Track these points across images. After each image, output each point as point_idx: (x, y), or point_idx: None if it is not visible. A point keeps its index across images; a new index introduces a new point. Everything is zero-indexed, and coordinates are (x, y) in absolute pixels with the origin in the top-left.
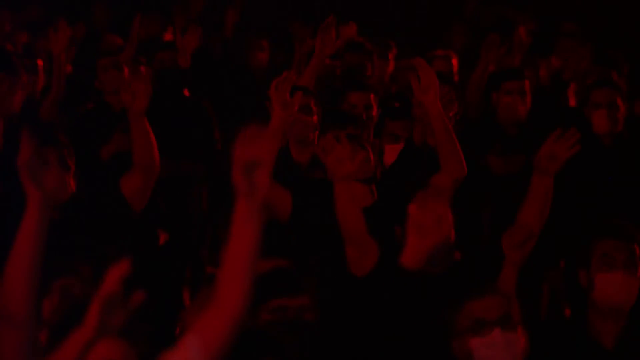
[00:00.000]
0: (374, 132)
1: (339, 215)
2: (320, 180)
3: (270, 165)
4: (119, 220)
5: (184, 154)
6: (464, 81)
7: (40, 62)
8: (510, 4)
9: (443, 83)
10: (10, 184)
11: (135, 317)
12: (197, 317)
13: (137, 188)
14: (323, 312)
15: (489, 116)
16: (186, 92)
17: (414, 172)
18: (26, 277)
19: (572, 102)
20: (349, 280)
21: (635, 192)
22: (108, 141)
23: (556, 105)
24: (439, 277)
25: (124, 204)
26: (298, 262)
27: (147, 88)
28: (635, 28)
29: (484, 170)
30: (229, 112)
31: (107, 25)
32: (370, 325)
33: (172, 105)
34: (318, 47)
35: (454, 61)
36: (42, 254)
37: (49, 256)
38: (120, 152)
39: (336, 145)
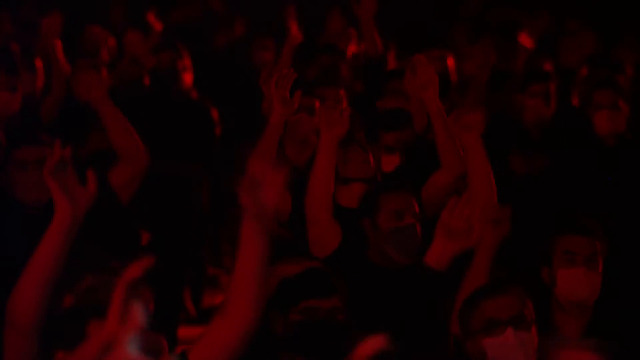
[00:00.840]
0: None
1: (312, 182)
2: None
3: (277, 188)
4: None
5: (182, 154)
6: (464, 81)
7: (39, 62)
8: (514, 3)
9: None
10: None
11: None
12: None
13: (124, 179)
14: None
15: (509, 116)
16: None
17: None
18: (41, 287)
19: (575, 103)
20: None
21: (638, 192)
22: (86, 140)
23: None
24: (405, 270)
25: (106, 199)
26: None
27: (97, 76)
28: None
29: (505, 170)
30: (234, 112)
31: (124, 25)
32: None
33: (169, 105)
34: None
35: (450, 61)
36: (62, 266)
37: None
38: (98, 150)
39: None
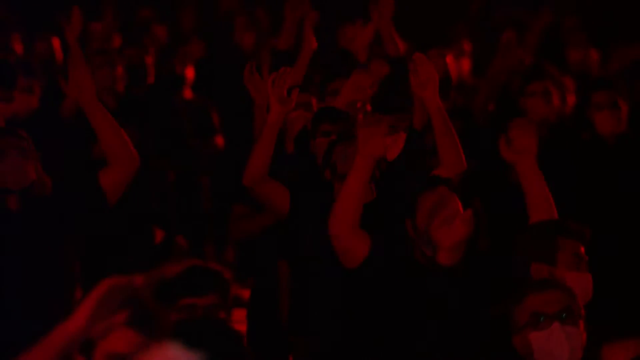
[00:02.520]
0: None
1: (340, 201)
2: (317, 179)
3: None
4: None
5: (184, 154)
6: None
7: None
8: (519, 3)
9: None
10: None
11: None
12: None
13: (113, 182)
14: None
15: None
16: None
17: (416, 164)
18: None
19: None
20: (342, 273)
21: (638, 191)
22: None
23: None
24: (446, 271)
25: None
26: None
27: (88, 74)
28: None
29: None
30: (238, 111)
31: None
32: (367, 319)
33: (170, 106)
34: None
35: (449, 59)
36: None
37: None
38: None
39: (376, 123)
